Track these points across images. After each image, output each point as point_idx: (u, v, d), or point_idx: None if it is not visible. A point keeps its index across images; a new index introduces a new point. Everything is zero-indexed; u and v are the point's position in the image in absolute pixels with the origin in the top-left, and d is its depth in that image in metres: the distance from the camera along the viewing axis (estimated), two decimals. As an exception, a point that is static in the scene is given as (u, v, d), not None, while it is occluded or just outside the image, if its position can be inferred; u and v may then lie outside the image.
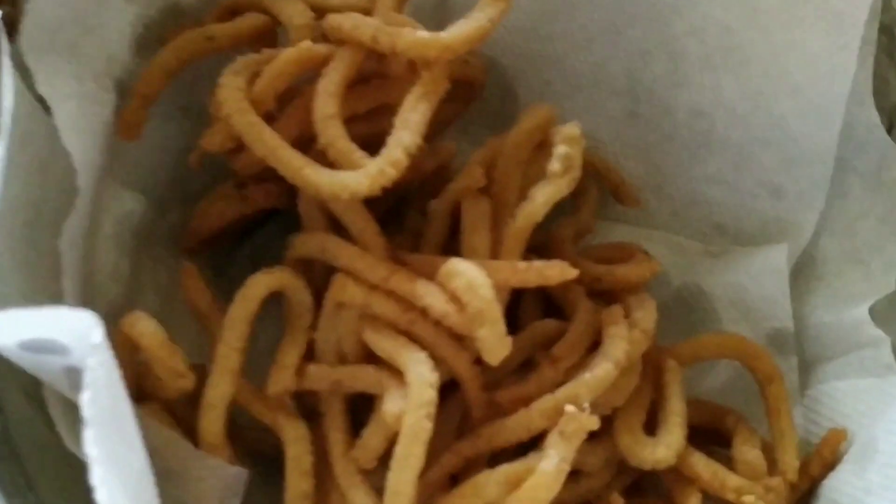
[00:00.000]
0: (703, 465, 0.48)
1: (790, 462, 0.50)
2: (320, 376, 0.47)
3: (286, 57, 0.47)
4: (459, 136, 0.57)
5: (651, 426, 0.49)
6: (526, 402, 0.47)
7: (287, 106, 0.48)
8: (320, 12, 0.48)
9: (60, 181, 0.45)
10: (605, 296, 0.51)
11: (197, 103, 0.52)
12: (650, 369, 0.50)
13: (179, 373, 0.45)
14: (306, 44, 0.47)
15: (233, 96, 0.46)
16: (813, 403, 0.54)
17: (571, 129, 0.47)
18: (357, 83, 0.48)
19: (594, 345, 0.49)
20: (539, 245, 0.50)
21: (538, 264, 0.46)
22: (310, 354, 0.48)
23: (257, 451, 0.50)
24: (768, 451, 0.50)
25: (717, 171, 0.56)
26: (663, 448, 0.47)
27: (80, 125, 0.45)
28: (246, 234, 0.56)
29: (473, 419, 0.48)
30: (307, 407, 0.49)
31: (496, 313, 0.43)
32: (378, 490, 0.46)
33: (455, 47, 0.45)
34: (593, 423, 0.44)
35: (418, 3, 0.53)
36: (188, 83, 0.51)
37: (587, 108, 0.57)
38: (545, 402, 0.46)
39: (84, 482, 0.39)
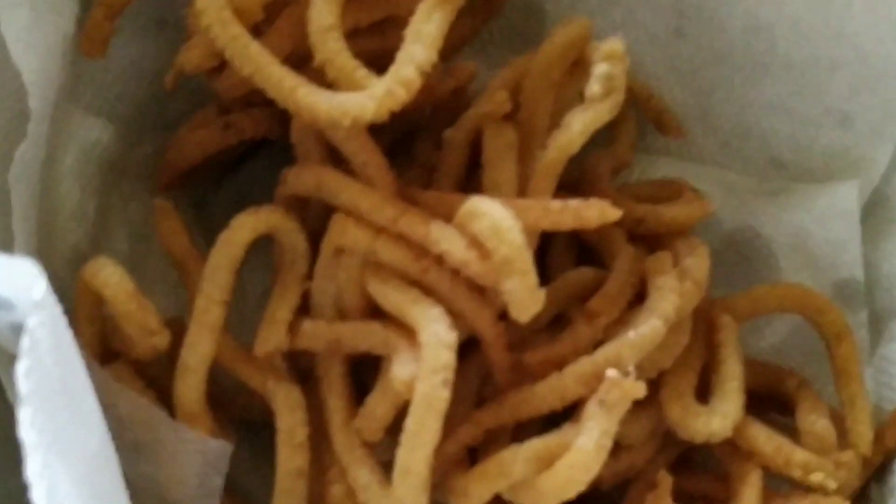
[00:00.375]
0: (764, 439, 0.45)
1: (863, 433, 0.47)
2: (317, 334, 0.44)
3: (276, -43, 0.43)
4: (476, 57, 0.53)
5: (702, 392, 0.46)
6: (558, 364, 0.43)
7: (277, 16, 0.45)
8: None
9: (8, 103, 0.43)
10: (649, 240, 0.48)
11: (174, 15, 0.49)
12: (702, 326, 0.47)
13: (151, 329, 0.42)
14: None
15: (214, 5, 0.42)
16: (886, 364, 0.51)
17: (613, 44, 0.43)
18: (360, -10, 0.44)
19: (636, 298, 0.46)
20: (570, 182, 0.46)
21: (574, 203, 0.42)
22: (304, 308, 0.45)
23: (244, 419, 0.48)
24: (836, 420, 0.47)
25: (775, 97, 0.53)
26: (719, 418, 0.44)
27: (33, 38, 0.42)
28: (230, 169, 0.53)
29: (496, 384, 0.45)
30: (301, 369, 0.46)
31: (526, 261, 0.40)
32: (385, 465, 0.43)
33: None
34: (639, 389, 0.40)
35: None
36: (164, -10, 0.49)
37: (625, 25, 0.53)
38: (581, 366, 0.42)
39: None
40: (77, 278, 0.43)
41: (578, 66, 0.45)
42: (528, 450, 0.41)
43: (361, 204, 0.43)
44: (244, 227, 0.43)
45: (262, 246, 0.45)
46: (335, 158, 0.45)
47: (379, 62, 0.42)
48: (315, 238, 0.45)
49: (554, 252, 0.48)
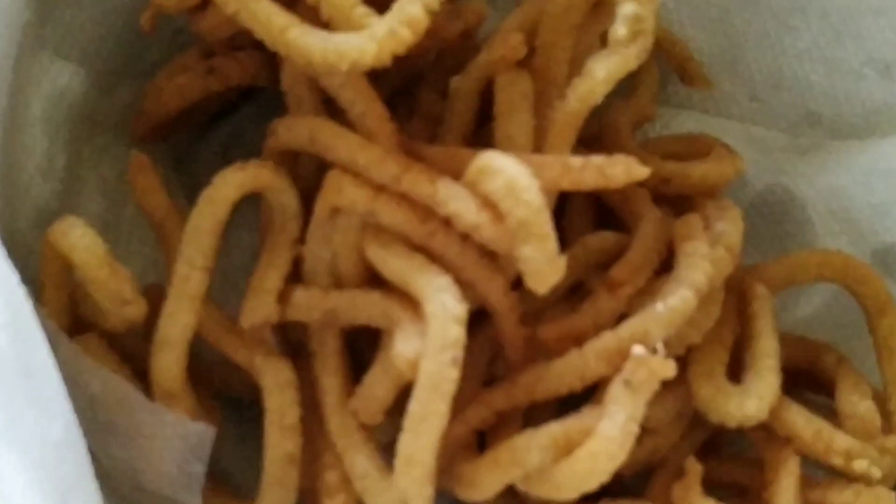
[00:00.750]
0: (802, 423, 0.43)
1: None
2: (309, 304, 0.42)
3: None
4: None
5: (734, 370, 0.44)
6: (577, 340, 0.41)
7: None
8: None
9: None
10: (675, 202, 0.46)
11: None
12: (733, 297, 0.45)
13: (125, 298, 0.40)
14: None
15: None
16: None
17: None
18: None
19: (662, 265, 0.44)
20: (587, 137, 0.44)
21: (597, 160, 0.40)
22: (296, 275, 0.43)
23: (230, 396, 0.45)
24: (879, 400, 0.45)
25: (811, 45, 0.52)
26: (754, 400, 0.42)
27: None
28: (214, 119, 0.51)
29: (508, 361, 0.43)
30: (292, 343, 0.44)
31: (546, 225, 0.37)
32: (384, 448, 0.41)
33: None
34: (669, 369, 0.38)
35: None
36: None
37: None
38: (604, 342, 0.40)
39: None
40: (43, 239, 0.40)
41: (601, 7, 0.43)
42: (545, 436, 0.39)
43: (360, 159, 0.40)
44: (229, 185, 0.41)
45: (250, 204, 0.43)
46: (330, 108, 0.44)
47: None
48: (307, 197, 0.43)
49: (571, 214, 0.46)
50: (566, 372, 0.41)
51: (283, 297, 0.42)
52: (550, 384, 0.41)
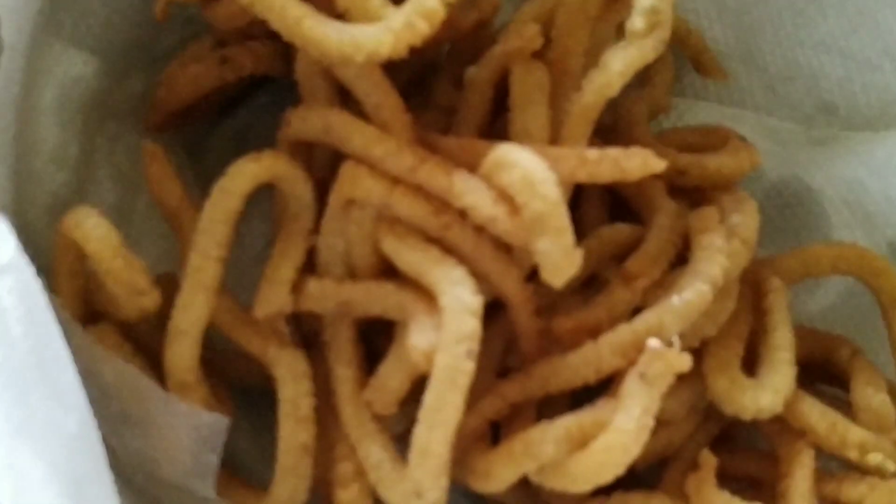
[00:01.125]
0: (817, 416, 0.43)
1: None
2: (324, 295, 0.42)
3: None
4: None
5: (749, 362, 0.44)
6: (592, 332, 0.41)
7: None
8: None
9: None
10: (691, 194, 0.46)
11: None
12: (748, 289, 0.45)
13: (139, 288, 0.40)
14: None
15: None
16: None
17: None
18: None
19: (678, 258, 0.44)
20: (603, 128, 0.44)
21: (614, 153, 0.40)
22: (310, 266, 0.43)
23: (242, 386, 0.45)
24: (893, 394, 0.45)
25: (827, 36, 0.52)
26: (769, 393, 0.42)
27: None
28: (228, 108, 0.51)
29: (522, 352, 0.43)
30: (306, 333, 0.44)
31: (562, 219, 0.37)
32: (397, 438, 0.42)
33: None
34: (684, 362, 0.39)
35: None
36: None
37: None
38: (619, 335, 0.41)
39: None
40: (57, 229, 0.40)
41: None
42: (559, 428, 0.39)
43: (375, 150, 0.40)
44: (243, 175, 0.41)
45: (263, 193, 0.43)
46: (344, 98, 0.43)
47: None
48: (321, 187, 0.43)
49: (586, 205, 0.46)
50: (581, 364, 0.41)
51: (296, 288, 0.42)
52: (565, 376, 0.41)
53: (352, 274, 0.42)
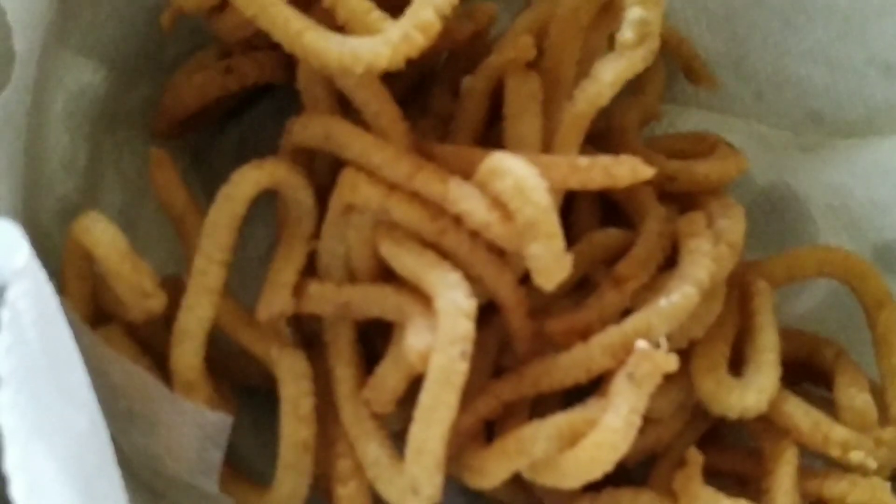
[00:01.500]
0: (801, 415, 0.43)
1: None
2: (324, 298, 0.42)
3: None
4: None
5: (735, 362, 0.45)
6: (583, 333, 0.42)
7: None
8: None
9: None
10: (679, 199, 0.46)
11: None
12: (735, 292, 0.45)
13: (146, 292, 0.40)
14: None
15: None
16: None
17: None
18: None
19: (666, 261, 0.44)
20: (594, 134, 0.44)
21: (604, 160, 0.40)
22: (311, 269, 0.43)
23: (245, 385, 0.46)
24: (876, 393, 0.46)
25: (815, 45, 0.51)
26: (754, 393, 0.42)
27: None
28: (232, 115, 0.51)
29: (515, 353, 0.43)
30: (306, 333, 0.45)
31: (553, 225, 0.38)
32: (395, 435, 0.42)
33: None
34: (671, 363, 0.39)
35: None
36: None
37: None
38: (609, 336, 0.41)
39: None
40: (66, 232, 0.40)
41: (608, 9, 0.43)
42: (551, 426, 0.39)
43: (374, 158, 0.40)
44: (247, 182, 0.41)
45: (265, 198, 0.43)
46: (344, 106, 0.43)
47: (392, 2, 0.40)
48: (322, 193, 0.43)
49: (577, 210, 0.46)
50: (572, 365, 0.41)
51: (298, 291, 0.42)
52: (557, 376, 0.41)
53: (351, 277, 0.43)
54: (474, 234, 0.40)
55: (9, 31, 0.38)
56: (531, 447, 0.39)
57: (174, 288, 0.41)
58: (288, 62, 0.45)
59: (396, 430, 0.42)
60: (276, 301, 0.42)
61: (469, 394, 0.39)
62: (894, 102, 0.51)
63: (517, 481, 0.42)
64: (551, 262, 0.38)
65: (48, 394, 0.29)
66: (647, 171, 0.40)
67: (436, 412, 0.37)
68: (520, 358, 0.43)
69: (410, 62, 0.39)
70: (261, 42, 0.44)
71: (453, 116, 0.45)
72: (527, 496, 0.45)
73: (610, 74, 0.41)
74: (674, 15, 0.52)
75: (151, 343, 0.42)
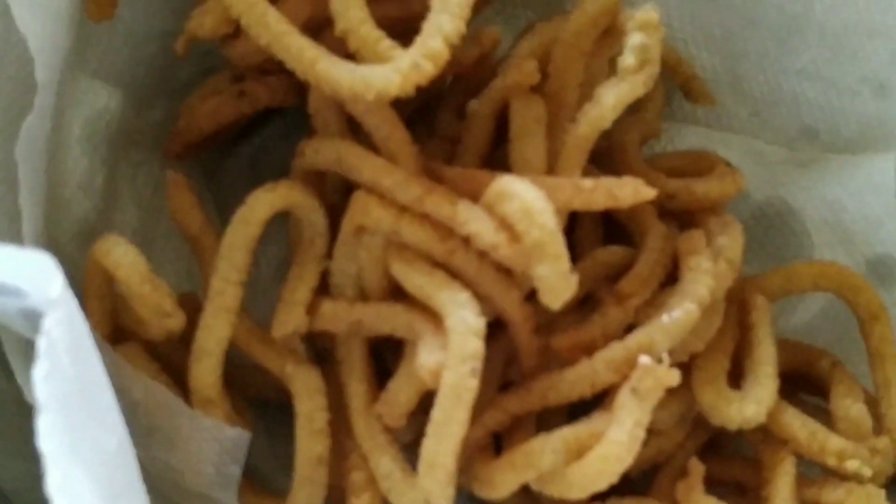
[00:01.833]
0: (798, 425, 0.44)
1: None
2: (337, 316, 0.43)
3: (293, -80, 0.41)
4: (494, 17, 0.53)
5: (734, 376, 0.45)
6: (587, 349, 0.42)
7: None
8: None
9: (13, 73, 0.41)
10: (679, 216, 0.47)
11: None
12: (733, 306, 0.46)
13: (166, 311, 0.41)
14: None
15: None
16: None
17: (648, 13, 0.42)
18: (382, -46, 0.42)
19: (667, 277, 0.45)
20: (597, 152, 0.44)
21: (607, 182, 0.41)
22: (323, 288, 0.44)
23: (260, 398, 0.46)
24: (870, 403, 0.46)
25: (809, 64, 0.52)
26: (753, 405, 0.43)
27: (39, 2, 0.40)
28: (242, 136, 0.52)
29: (523, 368, 0.44)
30: (320, 350, 0.45)
31: (559, 246, 0.38)
32: (405, 447, 0.43)
33: None
34: (674, 377, 0.40)
35: None
36: (170, -51, 0.47)
37: None
38: (612, 352, 0.41)
39: None
40: (86, 252, 0.41)
41: (608, 35, 0.44)
42: (558, 440, 0.40)
43: (385, 181, 0.41)
44: (261, 205, 0.42)
45: (276, 217, 0.43)
46: (354, 129, 0.44)
47: (398, 28, 0.41)
48: (332, 213, 0.44)
49: (581, 229, 0.47)
50: (577, 379, 0.42)
51: (311, 309, 0.43)
52: (562, 391, 0.42)
53: (363, 296, 0.43)
54: (482, 255, 0.40)
55: (30, 60, 0.39)
56: (539, 460, 0.40)
57: (189, 305, 0.42)
58: (298, 86, 0.45)
59: (406, 442, 0.43)
60: (290, 319, 0.42)
61: (477, 407, 0.40)
62: (886, 119, 0.51)
63: (525, 492, 0.42)
64: (558, 282, 0.38)
65: (81, 417, 0.30)
66: (649, 193, 0.41)
67: (447, 427, 0.38)
68: (526, 373, 0.43)
69: (418, 87, 0.39)
70: (272, 66, 0.43)
71: (459, 138, 0.46)
72: None
73: (612, 98, 0.41)
74: (672, 35, 0.52)
75: (168, 360, 0.43)
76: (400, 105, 0.42)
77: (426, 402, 0.40)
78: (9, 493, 0.38)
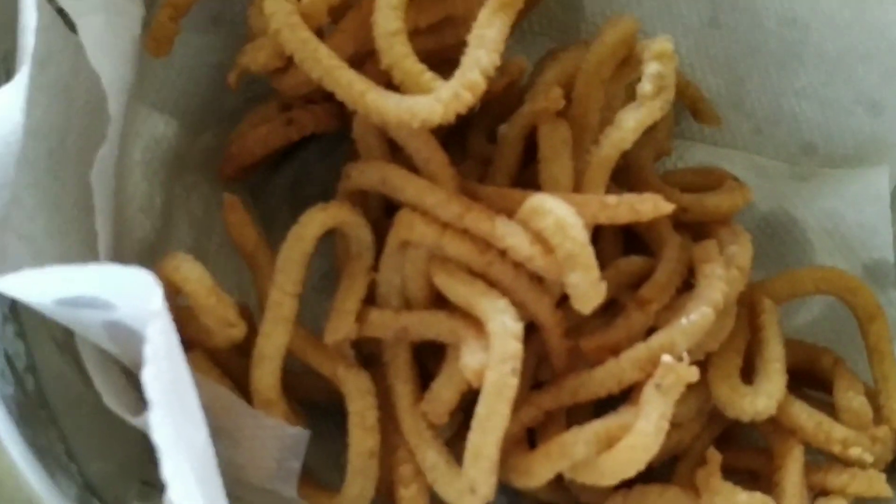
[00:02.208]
0: (805, 416, 0.46)
1: None
2: (384, 323, 0.45)
3: (340, -36, 0.44)
4: (517, 45, 0.55)
5: (746, 371, 0.47)
6: (613, 350, 0.44)
7: (340, 18, 0.45)
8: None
9: (86, 106, 0.43)
10: (693, 228, 0.49)
11: (229, 12, 0.51)
12: (744, 309, 0.48)
13: (230, 321, 0.43)
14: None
15: (282, 9, 0.43)
16: None
17: (663, 44, 0.44)
18: (418, -7, 0.44)
19: (684, 283, 0.47)
20: (615, 170, 0.46)
21: (629, 198, 0.43)
22: (371, 298, 0.46)
23: (310, 402, 0.48)
24: (870, 396, 0.48)
25: (807, 85, 0.54)
26: (764, 398, 0.45)
27: (108, 42, 0.42)
28: (285, 158, 0.54)
29: (554, 368, 0.46)
30: (368, 355, 0.47)
31: (590, 257, 0.41)
32: (447, 443, 0.45)
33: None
34: (693, 374, 0.42)
35: None
36: (219, -10, 0.49)
37: (661, 16, 0.54)
38: (637, 352, 0.44)
39: (125, 441, 0.40)
40: (146, 269, 0.41)
41: (627, 63, 0.46)
42: (589, 432, 0.42)
43: (427, 200, 0.43)
44: (314, 223, 0.44)
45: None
46: (394, 152, 0.46)
47: (435, 57, 0.43)
48: (375, 229, 0.46)
49: (603, 240, 0.48)
50: (605, 377, 0.44)
51: (360, 317, 0.45)
52: (591, 388, 0.44)
53: (407, 304, 0.45)
54: (517, 266, 0.42)
55: (103, 96, 0.41)
56: (572, 450, 0.42)
57: (243, 316, 0.44)
58: (339, 113, 0.48)
59: (447, 437, 0.45)
60: (341, 327, 0.44)
61: (514, 404, 0.41)
62: (879, 136, 0.53)
63: (556, 481, 0.44)
64: (589, 289, 0.41)
65: (179, 416, 0.33)
66: (667, 207, 0.43)
67: (491, 421, 0.40)
68: (557, 372, 0.45)
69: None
70: (316, 96, 0.47)
71: (490, 159, 0.48)
72: (564, 494, 0.47)
73: (632, 122, 0.44)
74: (681, 61, 0.53)
75: (227, 367, 0.45)
76: (436, 130, 0.44)
77: (465, 400, 0.43)
78: (96, 488, 0.41)
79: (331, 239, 0.47)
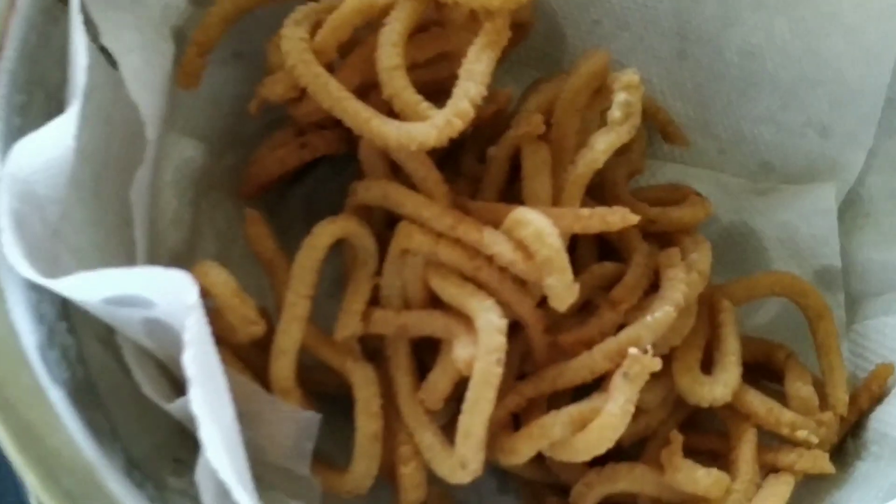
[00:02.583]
0: (758, 402, 0.49)
1: (840, 397, 0.50)
2: (386, 321, 0.48)
3: (348, 7, 0.47)
4: (506, 75, 0.57)
5: (706, 364, 0.50)
6: (587, 344, 0.47)
7: (347, 54, 0.48)
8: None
9: (126, 133, 0.45)
10: (660, 237, 0.51)
11: (249, 48, 0.52)
12: (705, 309, 0.50)
13: (252, 320, 0.45)
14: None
15: (297, 47, 0.46)
16: (859, 338, 0.55)
17: (630, 76, 0.48)
18: (416, 32, 0.48)
19: (650, 286, 0.49)
20: (591, 186, 0.50)
21: (600, 211, 0.47)
22: (375, 300, 0.48)
23: (319, 392, 0.51)
24: (817, 385, 0.51)
25: (765, 110, 0.56)
26: (721, 386, 0.48)
27: (145, 77, 0.45)
28: (298, 178, 0.56)
29: (535, 360, 0.49)
30: (372, 350, 0.49)
31: (564, 261, 0.44)
32: (442, 428, 0.47)
33: (521, -2, 0.44)
34: (656, 364, 0.44)
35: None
36: (240, 28, 0.51)
37: (635, 48, 0.57)
38: (608, 345, 0.46)
39: (160, 424, 0.43)
40: None
41: (600, 92, 0.49)
42: (565, 415, 0.45)
43: (423, 213, 0.46)
44: (325, 233, 0.47)
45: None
46: (395, 172, 0.49)
47: (430, 88, 0.47)
48: (379, 240, 0.48)
49: (580, 248, 0.51)
50: (580, 368, 0.46)
51: (365, 317, 0.47)
52: (568, 377, 0.47)
53: (407, 305, 0.47)
54: (503, 270, 0.45)
55: (142, 123, 0.44)
56: (551, 431, 0.45)
57: (262, 316, 0.46)
58: (347, 138, 0.50)
59: (442, 424, 0.47)
60: (349, 325, 0.47)
61: (500, 393, 0.44)
62: (828, 156, 0.56)
63: (537, 461, 0.47)
64: (563, 291, 0.44)
65: (212, 396, 0.37)
66: (633, 218, 0.46)
67: (479, 405, 0.43)
68: (538, 364, 0.48)
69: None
70: (328, 122, 0.49)
71: (480, 177, 0.50)
72: (545, 473, 0.50)
73: (603, 144, 0.47)
74: (653, 88, 0.57)
75: (249, 361, 0.48)
76: (432, 152, 0.47)
77: (457, 391, 0.45)
78: (138, 461, 0.43)
79: (340, 248, 0.50)
